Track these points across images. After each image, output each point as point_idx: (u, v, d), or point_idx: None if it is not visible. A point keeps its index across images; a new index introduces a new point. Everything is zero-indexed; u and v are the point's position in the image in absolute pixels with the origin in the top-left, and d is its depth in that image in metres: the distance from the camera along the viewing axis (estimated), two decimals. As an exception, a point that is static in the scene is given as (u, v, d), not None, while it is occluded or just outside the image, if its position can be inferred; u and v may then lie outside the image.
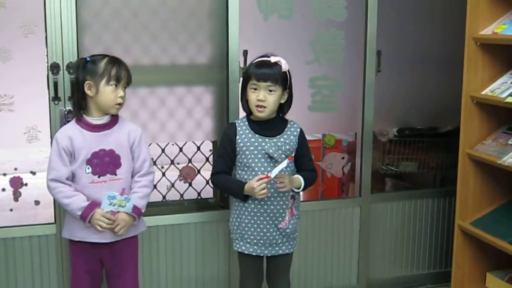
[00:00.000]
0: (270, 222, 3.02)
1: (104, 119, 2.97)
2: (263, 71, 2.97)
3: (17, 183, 3.48)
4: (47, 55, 3.27)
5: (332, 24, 3.70)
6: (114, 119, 3.00)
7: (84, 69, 2.92)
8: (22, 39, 3.28)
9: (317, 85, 3.73)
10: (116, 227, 2.89)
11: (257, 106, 2.95)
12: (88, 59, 2.94)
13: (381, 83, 3.83)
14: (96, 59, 2.93)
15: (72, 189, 2.90)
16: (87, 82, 2.88)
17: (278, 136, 3.03)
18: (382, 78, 3.82)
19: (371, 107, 3.80)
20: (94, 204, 2.85)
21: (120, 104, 2.93)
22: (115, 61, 2.94)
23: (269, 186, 2.92)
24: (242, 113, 3.21)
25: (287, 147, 3.01)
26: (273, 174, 2.88)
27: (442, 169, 4.16)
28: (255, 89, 2.96)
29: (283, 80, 2.97)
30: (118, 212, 2.88)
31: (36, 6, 3.25)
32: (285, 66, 2.97)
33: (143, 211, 2.99)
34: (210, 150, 3.87)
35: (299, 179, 3.02)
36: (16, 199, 3.49)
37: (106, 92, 2.89)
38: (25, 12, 3.27)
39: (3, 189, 3.48)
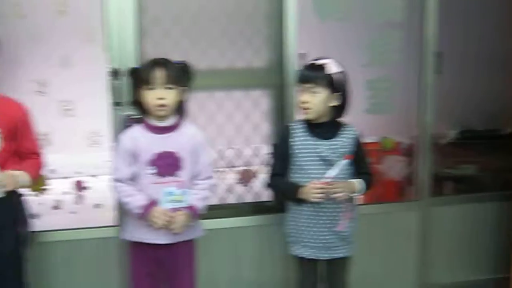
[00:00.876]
0: (327, 225, 3.03)
1: (168, 122, 3.00)
2: (306, 73, 3.00)
3: (79, 187, 3.56)
4: (108, 61, 3.35)
5: (389, 25, 3.70)
6: (178, 122, 3.03)
7: (133, 77, 3.01)
8: (83, 46, 3.39)
9: (375, 87, 3.73)
10: (174, 225, 2.92)
11: (303, 108, 2.99)
12: (137, 67, 3.02)
13: (443, 85, 3.78)
14: (142, 65, 3.01)
15: (133, 188, 2.96)
16: (137, 88, 2.97)
17: (333, 139, 3.03)
18: (444, 80, 3.79)
19: (430, 109, 3.76)
20: (153, 203, 2.89)
21: (161, 106, 2.95)
22: (152, 64, 2.98)
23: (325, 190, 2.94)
24: (299, 116, 3.23)
25: (342, 150, 3.01)
26: (331, 174, 2.89)
27: (503, 171, 4.08)
28: (299, 91, 3.01)
29: (330, 83, 2.97)
30: (177, 210, 2.92)
31: (97, 13, 3.33)
32: (331, 69, 2.98)
33: (200, 212, 3.03)
34: (268, 153, 3.78)
35: (355, 183, 3.02)
36: (77, 202, 3.56)
37: (146, 95, 2.94)
38: (87, 19, 3.37)
39: (66, 193, 3.55)
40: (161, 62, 2.95)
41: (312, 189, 2.91)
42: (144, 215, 2.90)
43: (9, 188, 2.77)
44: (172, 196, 2.90)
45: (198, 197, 2.99)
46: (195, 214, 2.99)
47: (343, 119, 3.09)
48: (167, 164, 2.97)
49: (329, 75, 2.96)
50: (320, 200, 2.92)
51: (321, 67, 2.97)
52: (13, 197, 2.93)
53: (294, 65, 3.52)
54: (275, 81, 3.61)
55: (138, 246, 3.03)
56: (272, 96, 3.65)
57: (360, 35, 3.70)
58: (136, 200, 2.92)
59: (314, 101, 2.96)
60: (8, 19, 3.32)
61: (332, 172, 2.88)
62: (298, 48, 3.53)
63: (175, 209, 2.93)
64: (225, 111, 3.62)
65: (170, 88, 2.92)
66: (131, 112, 3.31)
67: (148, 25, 3.39)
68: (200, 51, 3.48)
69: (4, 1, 3.34)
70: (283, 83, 3.57)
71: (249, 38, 3.56)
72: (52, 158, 3.29)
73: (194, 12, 3.48)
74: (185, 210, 2.95)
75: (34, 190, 3.41)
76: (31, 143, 2.98)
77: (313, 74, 2.97)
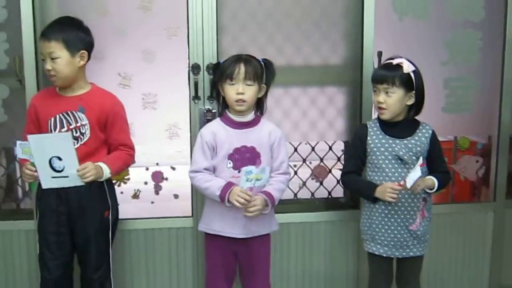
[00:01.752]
0: (401, 223, 3.02)
1: (247, 117, 3.05)
2: (380, 73, 3.01)
3: (158, 177, 3.64)
4: (188, 56, 3.42)
5: (468, 25, 3.66)
6: (257, 118, 3.07)
7: (215, 72, 3.07)
8: (166, 41, 3.43)
9: (452, 86, 3.70)
10: (251, 207, 2.91)
11: (379, 108, 3.00)
12: (220, 62, 3.07)
13: None
14: (225, 60, 3.06)
15: (211, 175, 3.00)
16: (218, 83, 3.03)
17: (409, 138, 3.02)
18: None
19: (509, 109, 3.74)
20: (231, 183, 2.93)
21: (240, 100, 2.98)
22: (235, 59, 3.02)
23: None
24: (376, 114, 3.23)
25: (418, 149, 3.00)
26: (409, 184, 2.86)
27: None
28: (374, 91, 3.02)
29: (405, 81, 2.96)
30: (256, 191, 2.94)
31: (179, 9, 3.41)
32: (407, 68, 2.96)
33: (276, 202, 3.02)
34: (342, 150, 3.86)
35: (432, 180, 2.99)
36: (157, 192, 3.65)
37: (227, 90, 2.99)
38: (169, 15, 3.43)
39: (146, 183, 3.61)
40: (243, 58, 3.00)
41: (388, 189, 2.92)
42: (223, 195, 2.92)
43: (90, 179, 2.87)
44: (251, 174, 2.90)
45: (274, 187, 3.00)
46: (271, 201, 2.99)
47: (419, 117, 3.09)
48: (245, 159, 3.01)
49: (404, 74, 2.96)
50: (395, 200, 2.93)
51: (395, 67, 2.97)
52: (103, 184, 3.05)
53: (371, 62, 3.53)
54: (351, 78, 3.62)
55: (215, 239, 3.09)
56: (348, 93, 3.65)
57: (438, 34, 3.66)
58: (215, 183, 2.96)
59: (390, 101, 2.97)
60: (92, 16, 3.36)
61: (411, 181, 2.87)
62: (376, 46, 3.54)
63: (254, 189, 2.93)
64: (300, 107, 3.62)
65: (249, 85, 2.97)
66: (209, 106, 3.40)
67: (226, 20, 3.44)
68: (276, 47, 3.52)
69: None
70: (359, 81, 3.58)
71: (325, 35, 3.57)
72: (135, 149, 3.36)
73: (270, 7, 3.50)
74: (262, 195, 2.96)
75: (117, 180, 3.51)
76: (120, 135, 3.07)
77: (387, 74, 2.97)
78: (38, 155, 2.83)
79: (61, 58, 2.90)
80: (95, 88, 3.08)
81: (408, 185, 2.85)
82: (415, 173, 2.85)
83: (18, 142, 2.86)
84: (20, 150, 2.86)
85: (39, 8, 3.37)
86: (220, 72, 3.03)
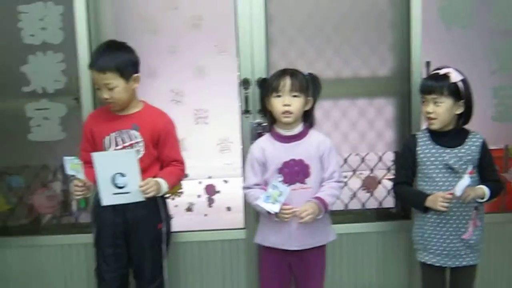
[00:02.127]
0: (454, 233, 3.02)
1: (295, 131, 3.06)
2: (428, 84, 3.03)
3: (211, 190, 3.69)
4: (238, 72, 3.47)
5: None
6: (305, 131, 3.08)
7: (262, 87, 3.12)
8: (216, 57, 3.50)
9: (501, 95, 3.69)
10: (303, 213, 2.89)
11: (428, 118, 3.02)
12: (267, 77, 3.13)
13: None
14: (271, 75, 3.10)
15: (262, 190, 3.01)
16: (265, 98, 3.07)
17: (459, 147, 3.03)
18: None
19: None
20: None
21: (286, 112, 3.00)
22: (280, 73, 3.05)
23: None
24: (424, 125, 3.25)
25: (469, 157, 3.00)
26: (458, 192, 2.86)
27: None
28: (423, 101, 3.04)
29: (454, 91, 2.98)
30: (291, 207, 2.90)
31: (229, 26, 3.47)
32: (455, 77, 2.98)
33: (329, 207, 3.01)
34: (392, 160, 3.84)
35: (483, 189, 2.99)
36: (210, 205, 3.70)
37: (273, 103, 3.02)
38: (219, 32, 3.50)
39: (199, 196, 3.69)
40: (288, 71, 3.04)
41: (439, 198, 2.92)
42: (272, 214, 2.93)
43: (151, 195, 2.94)
44: (270, 191, 2.91)
45: (326, 193, 3.00)
46: (323, 206, 2.99)
47: (468, 126, 3.10)
48: (294, 172, 3.02)
49: (452, 84, 2.97)
50: (446, 209, 2.93)
51: (442, 77, 3.00)
52: (156, 198, 3.09)
53: (419, 73, 3.52)
54: (400, 89, 3.62)
55: (270, 251, 3.11)
56: (397, 104, 3.66)
57: (486, 42, 3.65)
58: None
59: (439, 111, 2.98)
60: (144, 34, 3.46)
61: (460, 189, 2.87)
62: (424, 56, 3.52)
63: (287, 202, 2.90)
64: (349, 118, 3.64)
65: (296, 96, 2.99)
66: (259, 120, 3.44)
67: (275, 34, 3.49)
68: (325, 60, 3.55)
69: (137, 18, 3.49)
70: (408, 91, 3.58)
71: (373, 46, 3.59)
72: (187, 163, 3.37)
73: (318, 21, 3.53)
74: (314, 200, 2.97)
75: (171, 193, 3.52)
76: (172, 152, 3.14)
77: (435, 84, 2.99)
78: (101, 172, 2.88)
79: (118, 87, 2.98)
80: (147, 106, 3.15)
81: (457, 193, 2.86)
82: (464, 181, 2.85)
83: (65, 158, 2.91)
84: (68, 166, 2.91)
85: (94, 29, 3.46)
86: (266, 87, 3.08)
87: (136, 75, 3.06)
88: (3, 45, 3.51)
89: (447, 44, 3.61)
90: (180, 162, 3.17)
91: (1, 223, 3.75)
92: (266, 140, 3.12)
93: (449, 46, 3.61)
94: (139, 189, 2.91)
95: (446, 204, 2.91)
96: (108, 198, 2.93)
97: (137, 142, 3.04)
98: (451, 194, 2.90)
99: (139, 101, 3.15)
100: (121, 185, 2.91)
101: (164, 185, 3.01)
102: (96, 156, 2.89)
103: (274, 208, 2.88)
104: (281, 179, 2.97)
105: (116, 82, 2.97)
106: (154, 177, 3.04)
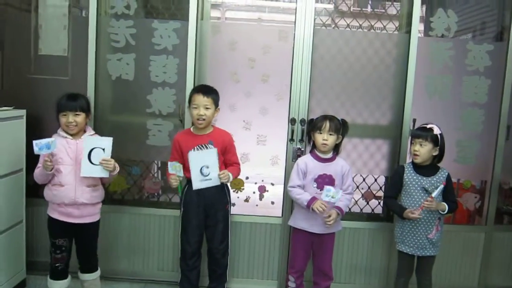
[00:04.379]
0: (422, 233, 3.16)
1: (328, 155, 3.25)
2: (418, 132, 3.15)
3: (262, 189, 3.85)
4: (288, 113, 3.63)
5: (475, 105, 3.69)
6: (334, 156, 3.27)
7: (309, 124, 3.32)
8: (275, 102, 3.68)
9: (461, 145, 3.76)
10: (329, 218, 3.07)
11: (414, 154, 3.13)
12: (313, 118, 3.28)
13: (508, 147, 3.77)
14: (316, 118, 3.25)
15: (302, 189, 3.18)
16: (311, 132, 3.29)
17: (432, 176, 3.14)
18: (510, 144, 3.78)
19: (499, 163, 3.76)
20: (315, 198, 3.13)
21: (324, 145, 3.15)
22: (323, 117, 3.21)
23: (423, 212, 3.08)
24: (410, 159, 3.29)
25: (438, 184, 3.11)
26: (435, 194, 3.02)
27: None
28: (412, 143, 3.17)
29: (434, 140, 3.09)
30: (331, 207, 3.06)
31: (286, 82, 3.64)
32: (436, 131, 3.11)
33: (344, 212, 3.19)
34: (384, 182, 3.90)
35: (444, 205, 3.12)
36: (260, 199, 3.84)
37: (316, 137, 3.22)
38: (279, 85, 3.67)
39: (254, 192, 3.83)
40: (328, 117, 3.26)
41: (410, 213, 3.11)
42: (309, 205, 3.11)
43: (225, 181, 3.13)
44: (330, 192, 3.04)
45: (343, 203, 3.19)
46: (341, 213, 3.19)
47: (440, 164, 3.21)
48: (325, 182, 3.20)
49: (434, 134, 3.11)
50: (419, 216, 3.09)
51: (428, 129, 3.13)
52: (225, 188, 3.30)
53: (408, 125, 3.63)
54: (394, 134, 3.72)
55: (299, 232, 3.27)
56: (391, 144, 3.74)
57: (456, 109, 3.70)
58: (304, 196, 3.17)
59: (422, 151, 3.12)
60: (229, 82, 3.62)
61: (435, 194, 3.03)
62: (412, 114, 3.64)
63: (329, 204, 3.06)
64: (357, 151, 3.74)
65: (331, 134, 3.23)
66: (299, 145, 3.62)
67: (315, 90, 3.63)
68: (345, 110, 3.64)
69: (226, 71, 3.61)
70: (400, 136, 3.68)
71: (378, 105, 3.67)
72: (249, 170, 3.64)
73: (344, 84, 3.65)
74: (336, 210, 3.15)
75: (236, 188, 3.72)
76: (233, 157, 3.28)
77: (423, 133, 3.13)
78: (194, 166, 3.00)
79: (211, 109, 3.19)
80: (215, 128, 3.29)
81: (434, 195, 3.00)
82: (439, 189, 3.03)
83: (169, 162, 3.08)
84: (170, 168, 3.05)
85: (197, 76, 3.64)
86: (313, 125, 3.26)
87: (218, 107, 3.23)
88: (137, 81, 3.67)
89: (428, 108, 3.68)
90: (238, 164, 3.29)
91: (121, 196, 3.89)
92: (309, 158, 3.25)
93: (430, 110, 3.68)
94: (218, 177, 3.05)
95: (416, 214, 3.05)
96: (197, 183, 3.04)
97: None
98: (431, 198, 3.02)
99: (212, 126, 3.29)
100: (206, 174, 3.03)
101: (231, 176, 3.16)
102: (191, 154, 3.01)
103: (324, 198, 3.03)
104: (333, 189, 3.08)
105: (211, 105, 3.17)
106: None
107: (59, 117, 3.04)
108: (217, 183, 3.06)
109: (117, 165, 3.02)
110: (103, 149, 2.91)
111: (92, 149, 2.89)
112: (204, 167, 3.01)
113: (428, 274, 3.28)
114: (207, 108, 3.14)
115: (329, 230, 3.24)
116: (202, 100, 3.15)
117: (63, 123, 3.04)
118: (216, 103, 3.20)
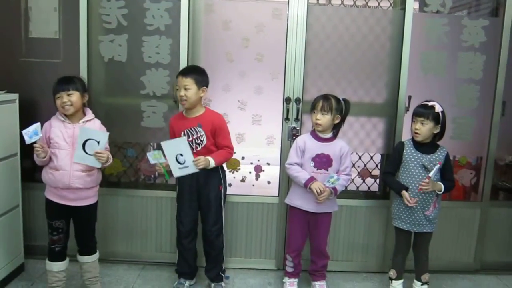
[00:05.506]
0: (420, 210, 3.15)
1: (326, 135, 3.23)
2: (419, 109, 3.12)
3: (258, 169, 3.83)
4: (283, 92, 3.60)
5: (471, 81, 3.70)
6: (333, 137, 3.25)
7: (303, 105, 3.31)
8: (270, 81, 3.64)
9: (458, 122, 3.76)
10: (322, 195, 3.08)
11: (415, 133, 3.11)
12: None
13: (505, 123, 3.80)
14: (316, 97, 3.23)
15: (300, 167, 3.17)
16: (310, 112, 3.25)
17: (431, 154, 3.14)
18: (506, 120, 3.81)
19: (495, 139, 3.78)
20: (313, 178, 3.13)
21: (317, 124, 3.14)
22: (319, 96, 3.19)
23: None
24: (405, 136, 3.36)
25: (437, 161, 3.11)
26: (431, 174, 3.01)
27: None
28: (413, 121, 3.16)
29: (435, 118, 3.07)
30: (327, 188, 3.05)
31: (280, 61, 3.60)
32: (438, 109, 3.08)
33: (338, 193, 3.19)
34: (380, 160, 3.89)
35: (441, 185, 3.13)
36: (256, 179, 3.81)
37: (311, 117, 3.22)
38: (273, 64, 3.62)
39: (250, 172, 3.81)
40: (322, 96, 3.22)
41: (407, 201, 3.12)
42: (307, 184, 3.11)
43: (201, 167, 3.05)
44: (332, 178, 3.10)
45: (339, 183, 3.17)
46: (334, 192, 3.18)
47: (439, 142, 3.22)
48: (322, 162, 3.21)
49: (436, 112, 3.08)
50: (413, 205, 3.11)
51: (430, 107, 3.09)
52: (219, 168, 3.25)
53: (403, 103, 3.63)
54: (389, 113, 3.71)
55: (295, 210, 3.28)
56: (386, 122, 3.74)
57: (451, 86, 3.68)
58: (303, 175, 3.17)
59: (423, 129, 3.11)
60: (224, 62, 3.55)
61: (432, 174, 3.03)
62: (407, 92, 3.64)
63: (328, 187, 3.08)
64: (353, 129, 3.71)
65: (324, 114, 3.20)
66: (295, 125, 3.60)
67: (310, 69, 3.61)
68: (340, 89, 3.60)
69: (220, 50, 3.56)
70: (395, 115, 3.67)
71: (374, 83, 3.65)
72: (244, 150, 3.60)
73: (339, 63, 3.61)
74: (330, 188, 3.15)
75: (232, 169, 3.70)
76: (224, 140, 3.22)
77: (424, 111, 3.09)
78: (169, 154, 3.01)
79: (191, 89, 3.12)
80: (208, 110, 3.25)
81: (431, 175, 2.99)
82: (436, 168, 3.03)
83: (148, 154, 3.07)
84: (151, 159, 3.05)
85: (191, 56, 3.59)
86: (311, 105, 3.26)
87: (204, 87, 3.16)
88: (130, 62, 3.61)
89: (424, 85, 3.66)
90: (229, 147, 3.23)
91: (117, 179, 3.86)
92: (308, 136, 3.26)
93: (425, 87, 3.66)
94: (192, 164, 3.03)
95: (412, 202, 3.08)
96: (176, 171, 3.04)
97: (201, 135, 3.18)
98: (428, 178, 3.02)
99: (203, 107, 3.25)
100: (182, 162, 3.02)
101: (212, 161, 3.11)
102: (163, 144, 3.01)
103: (326, 183, 3.07)
104: (336, 176, 3.10)
105: (191, 86, 3.11)
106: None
107: (55, 100, 2.98)
108: (195, 170, 3.03)
109: (110, 156, 3.01)
110: (98, 142, 2.87)
111: (88, 140, 2.86)
112: (178, 155, 3.00)
113: (425, 251, 3.28)
114: (187, 88, 3.10)
115: (324, 210, 3.23)
116: (181, 81, 3.12)
117: (58, 105, 2.99)
118: (198, 83, 3.13)
